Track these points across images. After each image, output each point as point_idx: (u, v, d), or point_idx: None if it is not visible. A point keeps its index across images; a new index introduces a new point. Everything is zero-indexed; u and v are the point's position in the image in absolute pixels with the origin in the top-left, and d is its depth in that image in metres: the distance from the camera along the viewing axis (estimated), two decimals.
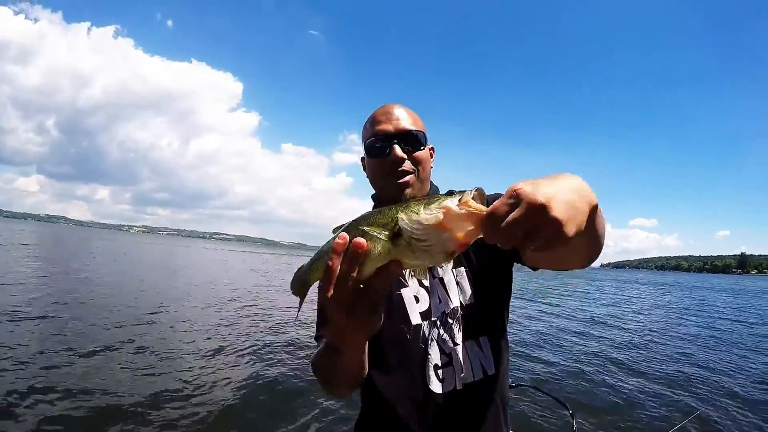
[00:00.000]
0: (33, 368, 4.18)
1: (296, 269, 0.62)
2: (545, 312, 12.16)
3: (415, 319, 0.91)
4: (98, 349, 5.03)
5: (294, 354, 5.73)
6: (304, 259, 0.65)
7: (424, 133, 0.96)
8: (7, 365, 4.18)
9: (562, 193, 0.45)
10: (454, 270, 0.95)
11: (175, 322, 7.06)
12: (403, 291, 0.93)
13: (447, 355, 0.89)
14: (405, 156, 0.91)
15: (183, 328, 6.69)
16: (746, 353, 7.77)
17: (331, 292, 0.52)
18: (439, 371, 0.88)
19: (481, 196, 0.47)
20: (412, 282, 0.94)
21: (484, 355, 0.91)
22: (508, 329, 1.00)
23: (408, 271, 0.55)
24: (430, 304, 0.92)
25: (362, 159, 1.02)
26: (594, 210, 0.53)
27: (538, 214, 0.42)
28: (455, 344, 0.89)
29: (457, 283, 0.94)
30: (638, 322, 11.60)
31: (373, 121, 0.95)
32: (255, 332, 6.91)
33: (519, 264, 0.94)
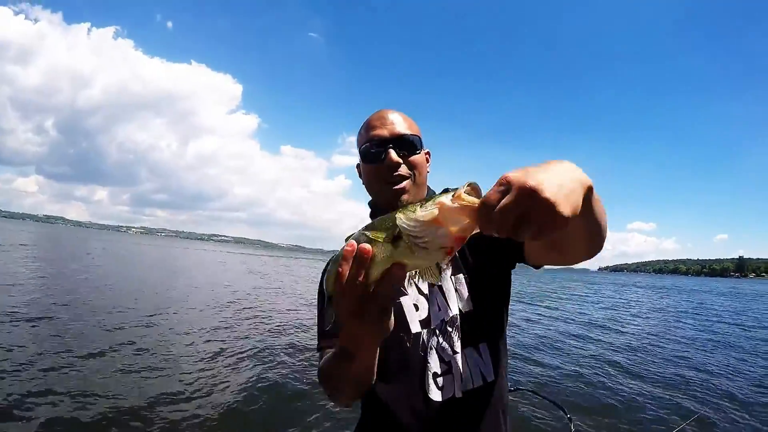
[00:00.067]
0: (32, 370, 4.17)
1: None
2: (544, 315, 12.19)
3: (415, 327, 0.91)
4: (98, 350, 5.02)
5: (294, 357, 5.72)
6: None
7: (419, 138, 0.95)
8: (6, 367, 4.17)
9: (553, 176, 0.45)
10: (452, 277, 0.94)
11: (175, 324, 7.05)
12: (403, 299, 0.92)
13: (446, 363, 0.88)
14: (401, 160, 0.90)
15: (183, 330, 6.68)
16: (744, 356, 7.80)
17: (343, 298, 0.54)
18: (439, 379, 0.88)
19: (475, 190, 0.47)
20: (411, 290, 0.93)
21: (483, 362, 0.90)
22: (507, 333, 1.00)
23: (417, 273, 0.57)
24: (429, 312, 0.92)
25: (358, 166, 1.01)
26: (589, 191, 0.53)
27: (529, 197, 0.42)
28: (454, 352, 0.89)
29: (456, 290, 0.93)
30: (636, 325, 11.64)
31: (368, 126, 0.94)
32: (255, 334, 6.91)
33: (521, 264, 0.93)
